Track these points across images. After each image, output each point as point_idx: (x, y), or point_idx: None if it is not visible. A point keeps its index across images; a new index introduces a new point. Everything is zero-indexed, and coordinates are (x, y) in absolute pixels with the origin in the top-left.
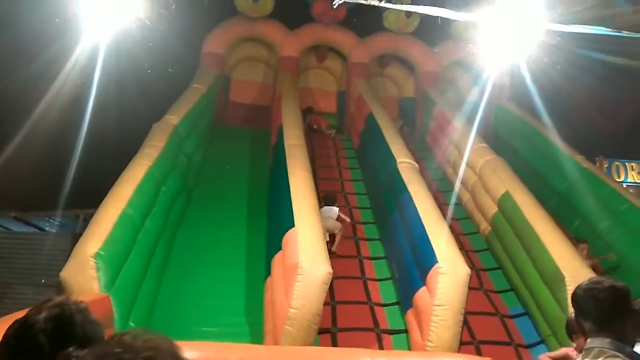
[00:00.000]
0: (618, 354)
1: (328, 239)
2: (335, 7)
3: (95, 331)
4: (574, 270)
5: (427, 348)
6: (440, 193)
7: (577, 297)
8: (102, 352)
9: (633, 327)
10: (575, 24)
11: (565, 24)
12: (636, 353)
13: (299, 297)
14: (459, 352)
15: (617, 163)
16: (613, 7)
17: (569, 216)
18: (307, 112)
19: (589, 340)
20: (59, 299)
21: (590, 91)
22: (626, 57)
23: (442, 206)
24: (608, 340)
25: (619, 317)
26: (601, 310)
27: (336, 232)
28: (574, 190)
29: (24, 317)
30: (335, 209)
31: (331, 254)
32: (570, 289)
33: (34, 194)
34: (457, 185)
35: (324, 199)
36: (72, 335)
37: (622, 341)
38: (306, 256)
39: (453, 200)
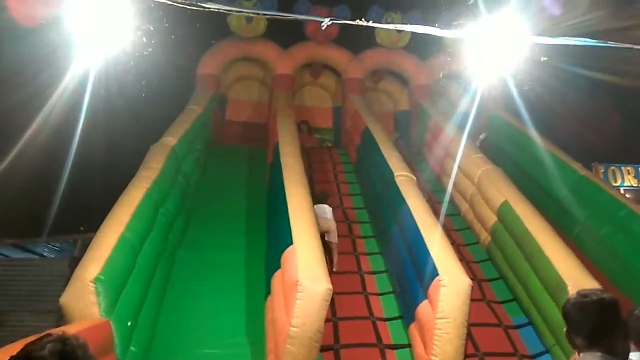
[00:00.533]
0: None
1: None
2: (324, 27)
3: None
4: (576, 279)
5: None
6: (439, 205)
7: (567, 312)
8: None
9: (623, 339)
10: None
11: (551, 36)
12: None
13: (299, 315)
14: None
15: (613, 168)
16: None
17: (569, 224)
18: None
19: (581, 355)
20: (58, 333)
21: (579, 99)
22: (610, 73)
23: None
24: (599, 354)
25: (608, 330)
26: (590, 325)
27: (333, 239)
28: (573, 197)
29: (25, 352)
30: (329, 208)
31: (331, 274)
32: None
33: (29, 220)
34: (450, 187)
35: (318, 198)
36: None
37: (613, 355)
38: (305, 273)
39: (445, 205)
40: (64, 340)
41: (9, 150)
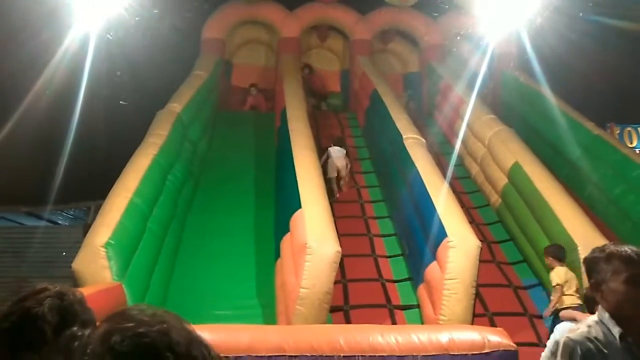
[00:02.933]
0: (585, 324)
1: (336, 174)
2: None
3: (91, 320)
4: (586, 239)
5: (440, 322)
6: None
7: None
8: (113, 328)
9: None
10: None
11: None
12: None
13: (308, 277)
14: (472, 324)
15: (629, 129)
16: None
17: (581, 184)
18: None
19: None
20: (55, 288)
21: (596, 58)
22: (629, 20)
23: (452, 180)
24: (597, 312)
25: (595, 286)
26: (590, 281)
27: (343, 173)
28: (586, 157)
29: (23, 309)
30: (343, 150)
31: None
32: (583, 257)
33: (42, 188)
34: (456, 149)
35: (334, 142)
36: (74, 325)
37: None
38: (314, 236)
39: (451, 167)
40: (61, 295)
41: (12, 116)
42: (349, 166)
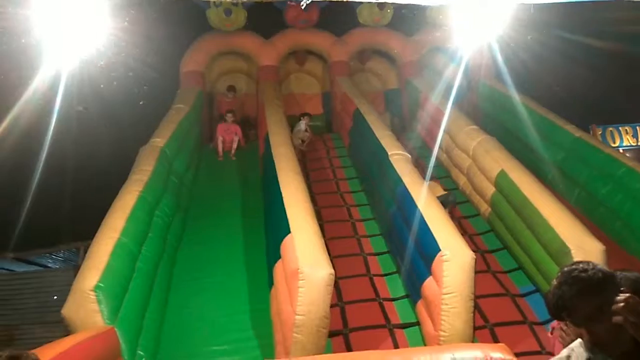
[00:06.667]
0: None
1: (300, 142)
2: (304, 7)
3: None
4: (579, 242)
5: (441, 338)
6: (437, 180)
7: None
8: None
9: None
10: None
11: None
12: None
13: (303, 303)
14: (473, 337)
15: (610, 129)
16: None
17: (568, 187)
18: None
19: None
20: (10, 352)
21: (569, 62)
22: (601, 36)
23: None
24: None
25: None
26: None
27: (305, 139)
28: (570, 160)
29: None
30: (303, 122)
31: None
32: (577, 260)
33: (28, 232)
34: (432, 161)
35: (301, 116)
36: None
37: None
38: (306, 260)
39: (428, 176)
40: (16, 358)
41: None
42: (309, 134)
